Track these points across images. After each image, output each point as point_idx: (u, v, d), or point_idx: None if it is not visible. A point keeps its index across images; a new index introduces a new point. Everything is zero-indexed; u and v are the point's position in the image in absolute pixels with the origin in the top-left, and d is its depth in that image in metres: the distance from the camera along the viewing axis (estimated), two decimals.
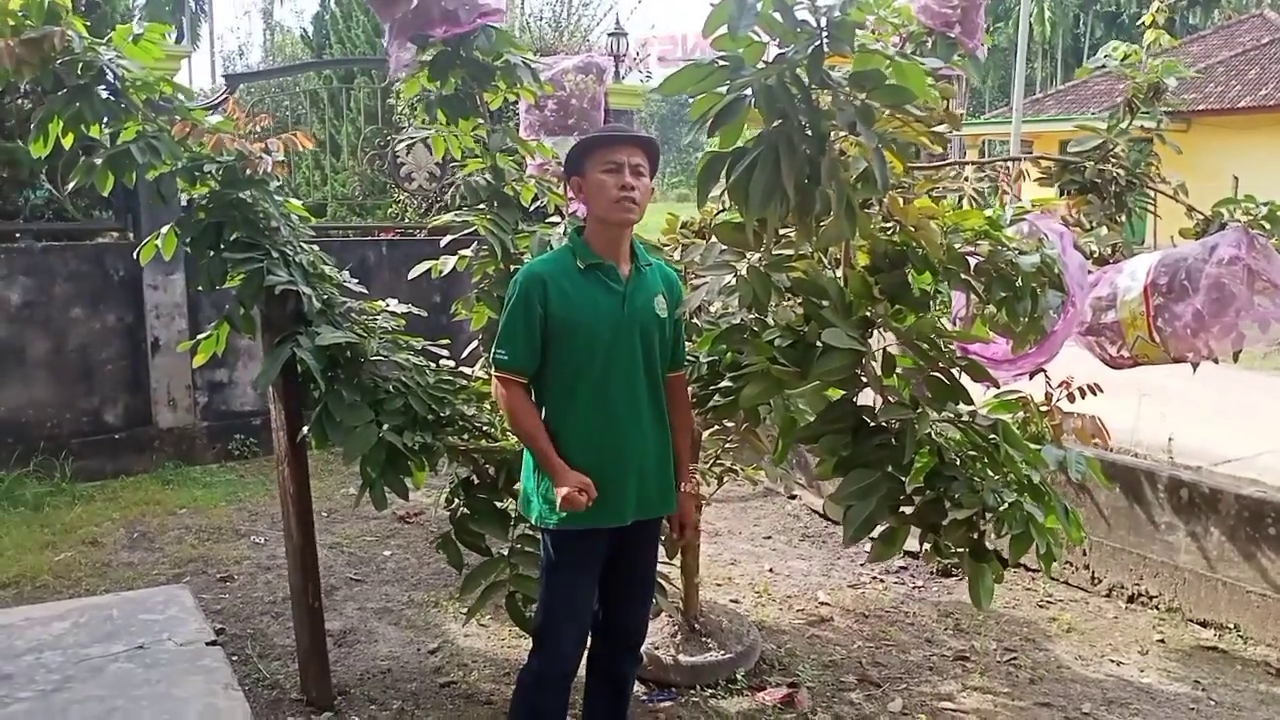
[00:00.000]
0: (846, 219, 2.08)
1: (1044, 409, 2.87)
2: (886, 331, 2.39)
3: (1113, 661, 4.16)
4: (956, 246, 2.45)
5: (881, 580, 5.12)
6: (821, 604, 4.75)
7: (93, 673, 3.67)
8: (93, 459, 6.95)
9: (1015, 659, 4.17)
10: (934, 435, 2.43)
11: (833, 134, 2.07)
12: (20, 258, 6.79)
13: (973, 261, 2.51)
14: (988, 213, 2.58)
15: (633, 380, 2.66)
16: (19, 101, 7.31)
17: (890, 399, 2.27)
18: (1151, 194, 3.73)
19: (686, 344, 3.01)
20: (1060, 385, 2.98)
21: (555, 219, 3.99)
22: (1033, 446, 2.77)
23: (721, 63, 1.99)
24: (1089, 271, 3.25)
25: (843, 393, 2.32)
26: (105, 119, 3.37)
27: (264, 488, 6.48)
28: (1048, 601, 4.84)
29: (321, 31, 16.34)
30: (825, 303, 2.29)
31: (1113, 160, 3.61)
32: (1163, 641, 4.34)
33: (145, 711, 3.39)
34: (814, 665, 4.06)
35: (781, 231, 2.58)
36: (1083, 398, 2.93)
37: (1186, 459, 5.14)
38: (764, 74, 1.86)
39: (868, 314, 2.32)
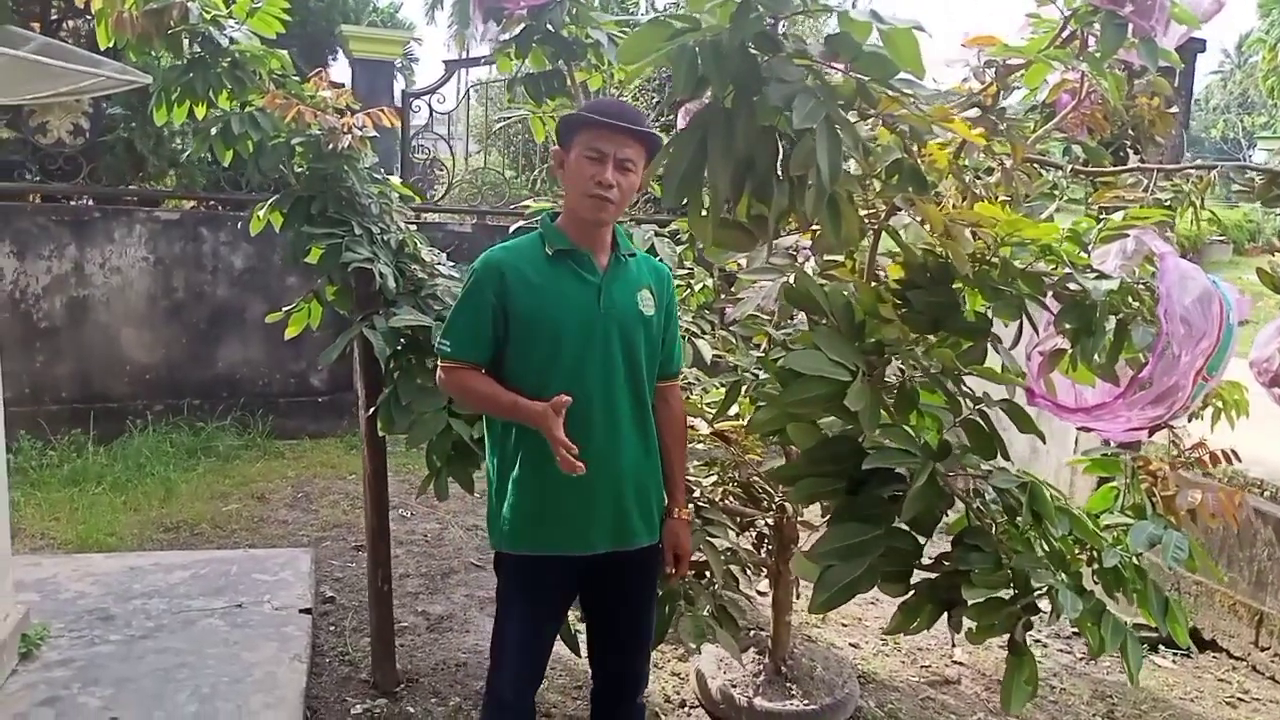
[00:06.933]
0: (829, 221, 1.69)
1: (1152, 474, 2.29)
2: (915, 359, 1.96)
3: None
4: (1020, 263, 1.98)
5: (1044, 645, 4.48)
6: (954, 662, 4.21)
7: (184, 625, 3.82)
8: (295, 419, 7.39)
9: None
10: (970, 491, 1.98)
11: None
12: (245, 225, 7.29)
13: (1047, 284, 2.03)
14: (1066, 224, 2.08)
15: (610, 387, 2.32)
16: None
17: (892, 443, 1.85)
18: None
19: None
20: (1193, 447, 2.38)
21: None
22: (1125, 520, 2.24)
23: (680, 24, 1.67)
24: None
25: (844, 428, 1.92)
26: (223, 91, 3.44)
27: None
28: (1239, 698, 4.04)
29: None
30: (823, 320, 1.91)
31: None
32: None
33: (209, 670, 3.47)
34: None
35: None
36: (1215, 465, 2.33)
37: None
38: (691, 35, 1.53)
39: (881, 338, 1.90)
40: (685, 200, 1.63)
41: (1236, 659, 4.38)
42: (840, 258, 2.20)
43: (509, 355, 2.34)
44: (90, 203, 7.29)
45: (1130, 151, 4.74)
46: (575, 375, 2.26)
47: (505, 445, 2.41)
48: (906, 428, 1.92)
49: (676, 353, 2.54)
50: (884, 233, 2.06)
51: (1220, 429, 3.34)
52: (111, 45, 3.45)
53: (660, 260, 2.54)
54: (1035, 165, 3.14)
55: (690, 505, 3.14)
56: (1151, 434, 2.32)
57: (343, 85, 3.55)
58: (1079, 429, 2.39)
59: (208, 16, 3.37)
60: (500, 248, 2.37)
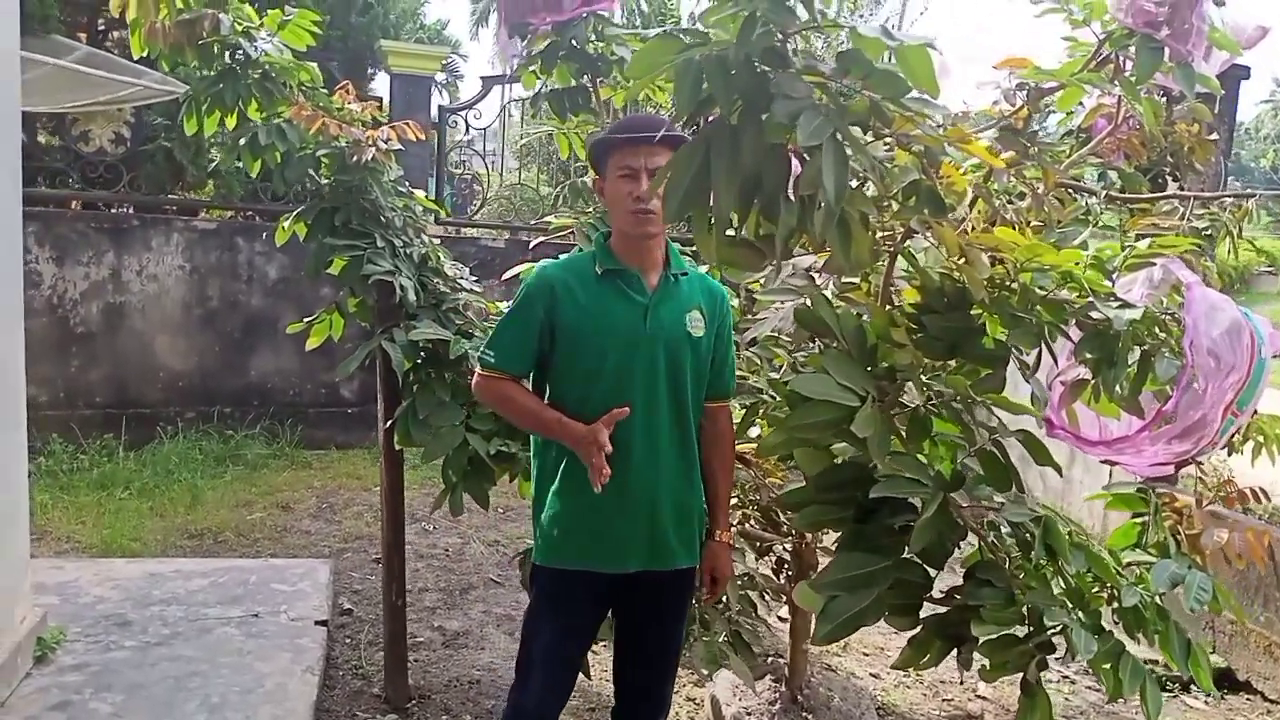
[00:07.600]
0: (839, 242, 1.65)
1: (1177, 511, 2.21)
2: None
3: None
4: (1041, 290, 1.92)
5: (1071, 681, 4.37)
6: (977, 696, 4.11)
7: (199, 633, 3.82)
8: (324, 429, 7.43)
9: None
10: (985, 523, 1.92)
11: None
12: None
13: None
14: (1089, 251, 2.01)
15: (653, 408, 2.29)
16: None
17: (903, 472, 1.79)
18: None
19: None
20: (1222, 484, 2.30)
21: None
22: (1149, 558, 2.16)
23: (690, 39, 1.64)
24: None
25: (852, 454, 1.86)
26: (252, 102, 3.46)
27: None
28: None
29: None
30: (834, 344, 1.86)
31: None
32: None
33: (221, 679, 3.46)
34: None
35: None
36: (1244, 504, 2.24)
37: None
38: (699, 50, 1.49)
39: (894, 362, 1.85)
40: (688, 217, 1.60)
41: (1272, 702, 4.24)
42: (857, 280, 2.15)
43: (553, 371, 2.35)
44: (129, 210, 7.39)
45: (1169, 178, 4.65)
46: (617, 394, 2.25)
47: (546, 457, 2.42)
48: (919, 456, 1.86)
49: (728, 373, 2.51)
50: (902, 256, 2.02)
51: (1262, 463, 3.23)
52: (146, 55, 3.49)
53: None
54: (1069, 190, 3.08)
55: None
56: (1179, 469, 2.24)
57: (377, 99, 3.57)
58: (1102, 462, 2.32)
59: (239, 28, 3.40)
60: (554, 263, 2.39)
